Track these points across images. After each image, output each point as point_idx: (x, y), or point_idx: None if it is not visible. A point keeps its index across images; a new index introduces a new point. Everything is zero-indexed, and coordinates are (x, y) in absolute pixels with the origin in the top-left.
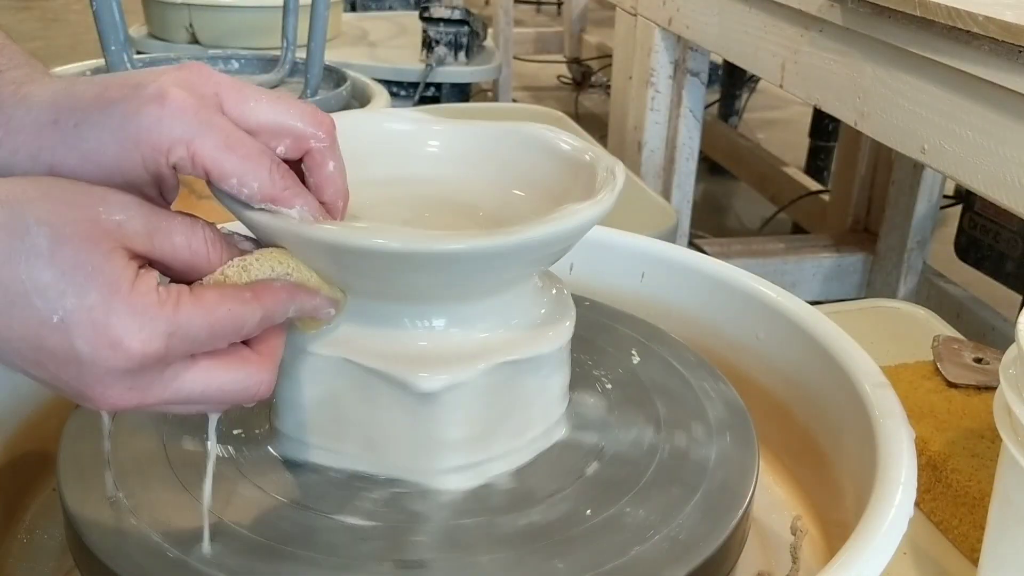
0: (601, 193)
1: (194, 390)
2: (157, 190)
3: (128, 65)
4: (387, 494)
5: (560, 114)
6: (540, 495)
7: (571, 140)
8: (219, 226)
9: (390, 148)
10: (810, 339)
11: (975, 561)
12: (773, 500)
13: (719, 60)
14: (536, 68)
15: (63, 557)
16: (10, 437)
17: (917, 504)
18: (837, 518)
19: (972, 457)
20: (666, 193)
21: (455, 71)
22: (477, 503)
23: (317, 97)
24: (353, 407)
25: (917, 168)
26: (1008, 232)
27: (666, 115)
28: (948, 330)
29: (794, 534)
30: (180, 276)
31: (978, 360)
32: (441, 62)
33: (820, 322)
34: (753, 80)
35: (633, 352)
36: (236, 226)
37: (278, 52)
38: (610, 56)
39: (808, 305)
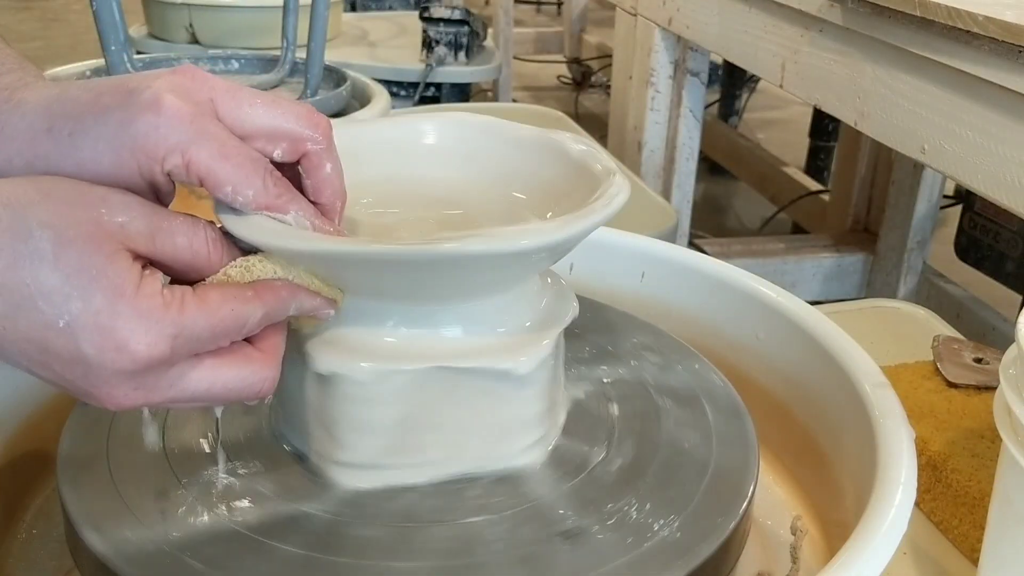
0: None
1: (199, 388)
2: (153, 196)
3: (128, 65)
4: (487, 486)
5: (560, 114)
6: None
7: (586, 146)
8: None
9: (388, 148)
10: (810, 339)
11: (975, 561)
12: (773, 500)
13: (719, 60)
14: (536, 68)
15: (63, 557)
16: (10, 437)
17: (917, 504)
18: (837, 518)
19: (972, 457)
20: (666, 193)
21: (455, 71)
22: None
23: (317, 97)
24: (439, 412)
25: (917, 168)
26: (1008, 232)
27: (666, 115)
28: (948, 330)
29: (794, 534)
30: (181, 276)
31: (978, 360)
32: (441, 62)
33: (820, 322)
34: (753, 80)
35: (633, 351)
36: None
37: (278, 52)
38: (610, 56)
39: (808, 305)
